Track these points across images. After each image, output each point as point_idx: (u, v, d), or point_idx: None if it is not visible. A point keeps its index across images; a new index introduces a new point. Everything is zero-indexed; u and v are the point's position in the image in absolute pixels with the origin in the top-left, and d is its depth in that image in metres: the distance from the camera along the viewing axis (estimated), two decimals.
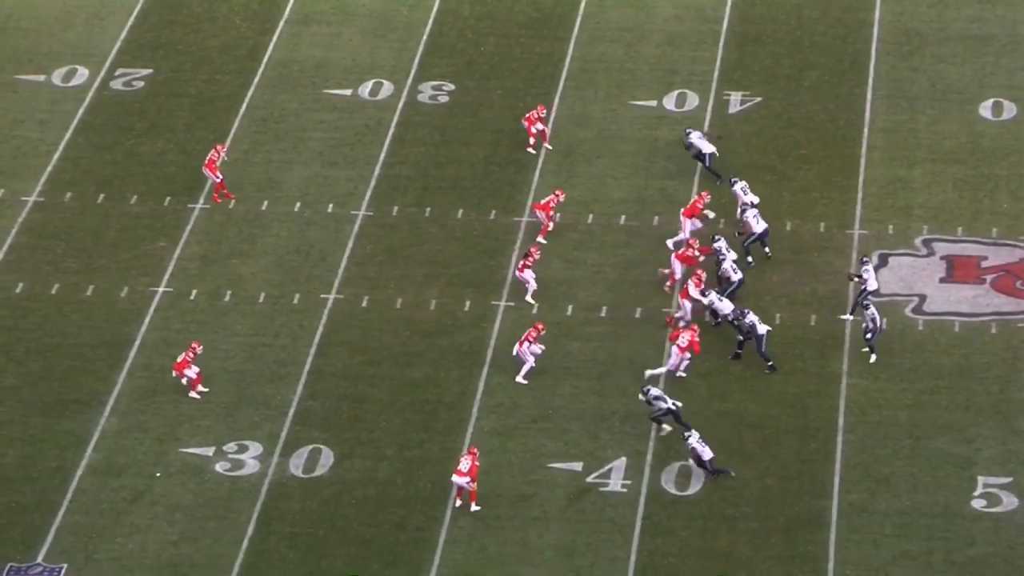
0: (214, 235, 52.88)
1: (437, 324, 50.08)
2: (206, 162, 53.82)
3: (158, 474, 46.11)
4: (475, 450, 44.91)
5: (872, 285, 49.16)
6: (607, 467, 46.05)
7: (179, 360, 47.61)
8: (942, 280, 51.19)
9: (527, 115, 55.65)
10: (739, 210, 51.68)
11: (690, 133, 54.34)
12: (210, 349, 49.19)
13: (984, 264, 51.59)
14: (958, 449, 46.36)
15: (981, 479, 45.62)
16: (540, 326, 48.06)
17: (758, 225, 50.89)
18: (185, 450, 46.70)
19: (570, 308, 50.46)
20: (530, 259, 49.85)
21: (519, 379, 47.94)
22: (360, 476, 45.85)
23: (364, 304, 50.61)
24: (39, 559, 44.07)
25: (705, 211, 52.06)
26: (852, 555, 43.85)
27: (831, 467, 45.88)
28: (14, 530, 44.65)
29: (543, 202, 52.12)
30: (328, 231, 52.83)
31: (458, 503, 44.62)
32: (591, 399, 47.93)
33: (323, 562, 43.93)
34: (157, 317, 50.40)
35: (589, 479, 45.81)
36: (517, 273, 49.81)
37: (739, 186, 51.94)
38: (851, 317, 49.28)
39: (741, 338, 48.32)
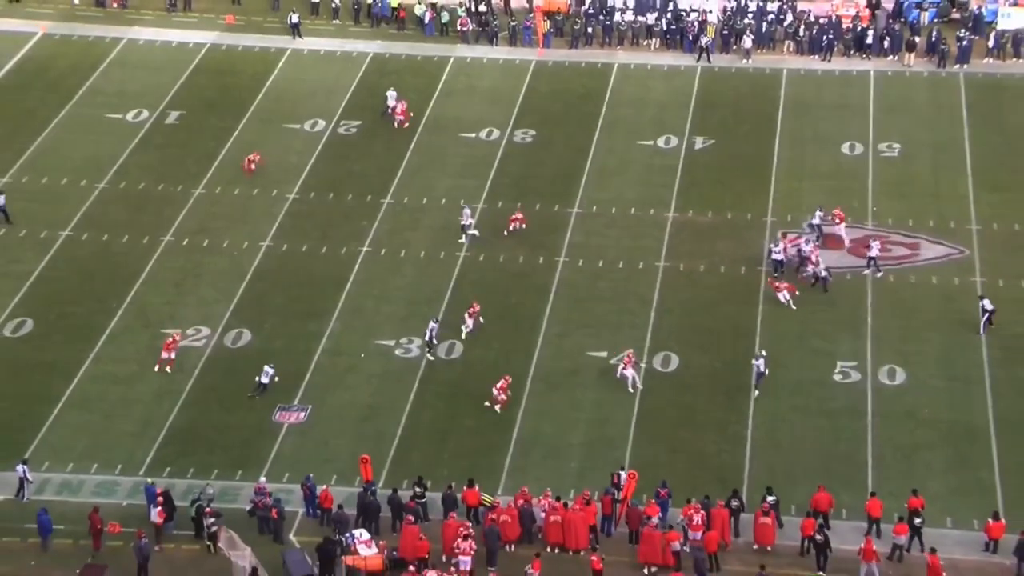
0: (395, 217, 52.26)
1: (523, 269, 49.59)
2: (248, 160, 53.66)
3: (362, 355, 45.99)
4: (508, 377, 43.36)
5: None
6: (622, 355, 45.51)
7: (167, 343, 44.80)
8: (819, 248, 49.89)
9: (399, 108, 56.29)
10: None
11: None
12: (392, 284, 48.82)
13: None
14: (826, 346, 45.98)
15: (839, 363, 45.19)
16: (476, 306, 45.94)
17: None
18: (377, 342, 46.46)
19: (601, 262, 50.00)
20: (473, 310, 45.87)
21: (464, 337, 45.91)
22: (479, 358, 45.57)
23: (481, 258, 50.09)
24: (295, 402, 44.07)
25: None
26: (764, 407, 43.58)
27: (752, 357, 45.32)
28: (279, 386, 44.47)
29: (511, 217, 50.75)
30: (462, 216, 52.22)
31: (497, 407, 43.27)
32: (613, 315, 47.52)
33: (460, 407, 43.69)
34: (362, 265, 50.01)
35: (611, 361, 45.46)
36: (466, 317, 45.81)
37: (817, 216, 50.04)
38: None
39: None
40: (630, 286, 48.79)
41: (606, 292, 48.57)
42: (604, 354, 45.74)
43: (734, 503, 38.88)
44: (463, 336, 45.57)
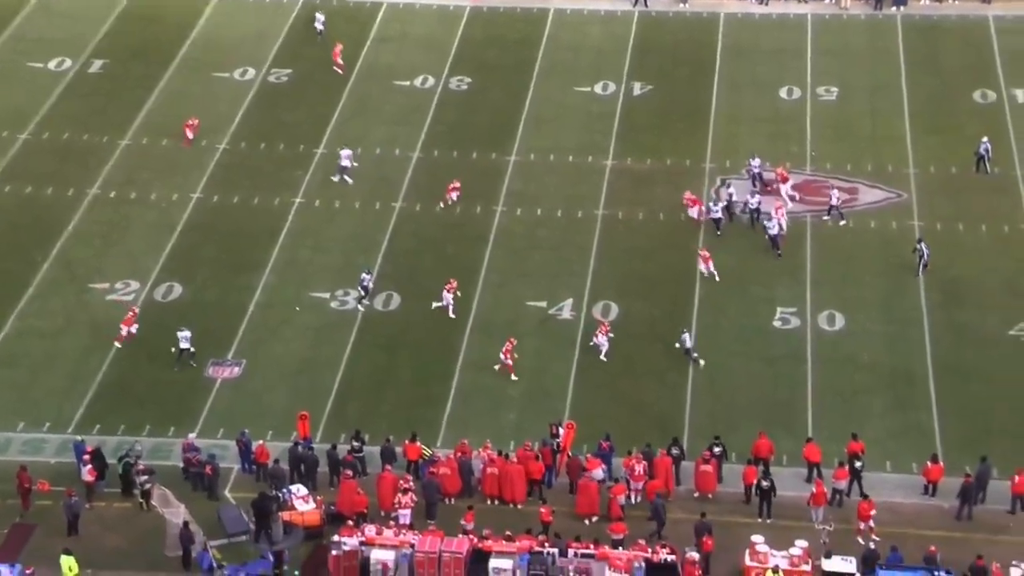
0: (329, 167, 51.61)
1: (461, 219, 49.19)
2: (187, 126, 52.42)
3: (297, 308, 45.60)
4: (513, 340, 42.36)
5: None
6: (561, 304, 45.53)
7: (127, 318, 43.56)
8: (758, 193, 49.69)
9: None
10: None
11: None
12: (327, 235, 48.41)
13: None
14: (765, 292, 45.97)
15: (778, 309, 45.23)
16: (454, 282, 44.69)
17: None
18: (312, 294, 46.08)
19: (539, 210, 49.69)
20: (451, 286, 44.49)
21: (450, 314, 44.43)
22: (417, 309, 45.32)
23: (417, 208, 49.67)
24: (229, 356, 43.58)
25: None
26: (704, 355, 43.29)
27: (691, 305, 45.43)
28: (212, 340, 43.98)
29: (449, 187, 49.14)
30: (397, 166, 51.80)
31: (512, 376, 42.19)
32: (552, 264, 47.29)
33: (398, 359, 43.50)
34: (296, 216, 49.52)
35: (550, 311, 45.32)
36: (444, 293, 44.35)
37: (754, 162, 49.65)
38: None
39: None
40: (569, 234, 48.45)
41: (545, 241, 48.23)
42: (543, 304, 45.51)
43: (674, 451, 38.88)
44: (450, 314, 44.36)
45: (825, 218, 48.50)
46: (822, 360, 43.14)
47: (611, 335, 43.04)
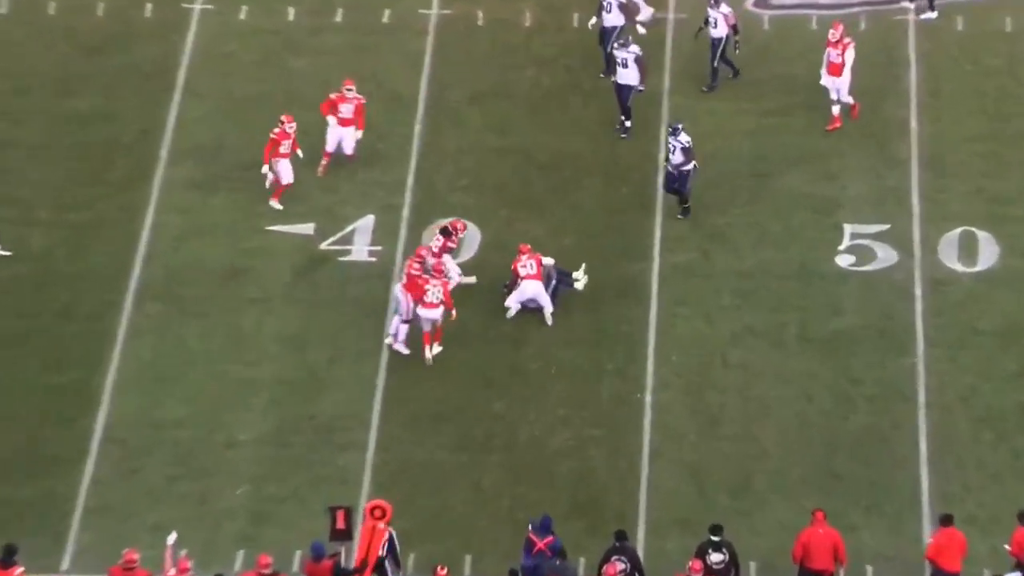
0: None
1: (108, 36, 49.22)
2: None
3: None
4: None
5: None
6: (349, 228, 44.62)
7: None
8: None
9: None
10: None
11: None
12: None
13: None
14: (818, 188, 45.69)
15: (848, 227, 44.80)
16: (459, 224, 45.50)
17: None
18: None
19: (290, 12, 50.02)
20: (453, 238, 44.63)
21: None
22: (28, 252, 44.50)
23: (4, 10, 49.00)
24: None
25: None
26: (679, 334, 42.71)
27: (651, 220, 44.79)
28: None
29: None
30: None
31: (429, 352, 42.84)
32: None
33: None
34: None
35: (324, 245, 44.31)
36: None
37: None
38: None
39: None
40: (364, 64, 48.31)
41: (305, 80, 48.06)
42: (308, 229, 44.93)
43: (620, 565, 37.60)
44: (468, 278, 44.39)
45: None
46: (949, 343, 42.91)
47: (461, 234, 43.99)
